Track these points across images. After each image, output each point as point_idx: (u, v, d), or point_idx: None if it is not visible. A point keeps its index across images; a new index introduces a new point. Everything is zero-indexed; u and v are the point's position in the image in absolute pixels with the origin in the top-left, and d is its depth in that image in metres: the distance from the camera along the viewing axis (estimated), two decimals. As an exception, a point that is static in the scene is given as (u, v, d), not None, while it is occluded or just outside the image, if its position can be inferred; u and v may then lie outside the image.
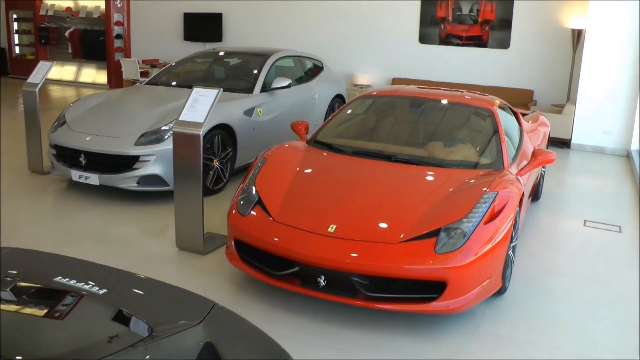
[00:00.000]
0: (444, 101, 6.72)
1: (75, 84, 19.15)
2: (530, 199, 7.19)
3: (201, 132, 5.72)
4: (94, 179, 7.37)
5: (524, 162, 6.21)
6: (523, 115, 7.87)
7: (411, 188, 5.26)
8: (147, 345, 2.07)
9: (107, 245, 6.22)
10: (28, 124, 8.62)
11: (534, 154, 6.16)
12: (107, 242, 6.32)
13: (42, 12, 19.60)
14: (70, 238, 6.40)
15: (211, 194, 7.73)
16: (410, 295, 4.55)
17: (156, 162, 7.22)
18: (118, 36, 18.40)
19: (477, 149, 6.07)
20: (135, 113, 7.96)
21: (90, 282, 2.46)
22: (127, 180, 7.29)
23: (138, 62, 16.21)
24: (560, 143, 11.91)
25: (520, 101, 12.76)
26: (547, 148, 8.25)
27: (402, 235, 4.61)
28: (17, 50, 20.53)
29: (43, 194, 7.88)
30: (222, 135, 7.85)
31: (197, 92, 5.99)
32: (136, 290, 2.57)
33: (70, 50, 19.29)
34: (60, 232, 6.58)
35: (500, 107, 6.72)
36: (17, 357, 1.89)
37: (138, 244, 6.30)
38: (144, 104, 8.32)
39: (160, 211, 7.19)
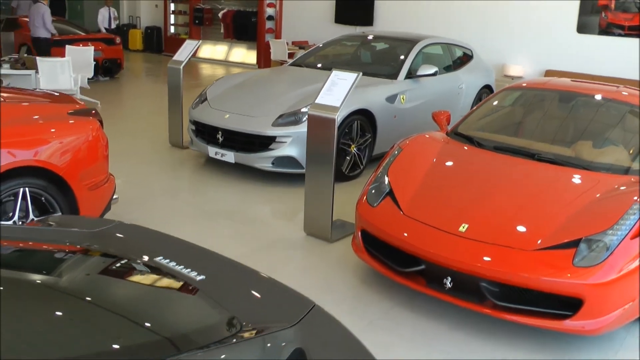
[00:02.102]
0: (596, 97, 6.17)
1: (225, 62, 19.59)
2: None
3: (337, 116, 5.55)
4: (229, 156, 7.41)
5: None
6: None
7: (553, 191, 4.83)
8: (232, 344, 1.92)
9: (236, 224, 6.20)
10: (171, 99, 8.83)
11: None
12: (237, 220, 6.31)
13: (198, -6, 20.22)
14: (202, 213, 6.45)
15: (346, 180, 7.57)
16: (543, 310, 4.18)
17: (292, 143, 7.14)
18: (270, 17, 18.64)
19: (630, 152, 5.53)
20: (276, 94, 7.92)
21: (191, 267, 2.34)
22: (262, 160, 7.26)
23: (287, 43, 16.34)
24: None
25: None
26: None
27: (538, 243, 4.23)
28: (172, 29, 21.31)
29: (181, 168, 8.02)
30: (362, 120, 7.67)
31: (335, 75, 5.83)
32: (235, 282, 2.42)
33: (222, 31, 19.76)
34: (193, 207, 6.64)
35: (662, 107, 6.14)
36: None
37: (267, 225, 6.24)
38: (285, 85, 8.28)
39: (293, 194, 7.11)
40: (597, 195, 4.66)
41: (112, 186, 5.43)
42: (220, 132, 7.50)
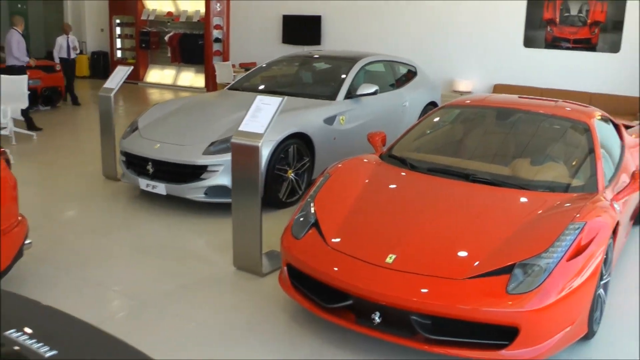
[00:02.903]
0: (534, 113, 5.98)
1: (173, 87, 19.27)
2: (632, 222, 6.28)
3: (260, 143, 5.27)
4: (161, 188, 7.08)
5: (625, 183, 5.44)
6: (627, 128, 7.02)
7: (487, 214, 4.60)
8: None
9: (165, 260, 5.89)
10: (103, 129, 8.44)
11: (633, 176, 5.39)
12: (166, 257, 5.98)
13: (143, 17, 19.89)
14: (130, 251, 6.12)
15: (284, 207, 7.29)
16: (478, 341, 3.93)
17: (225, 172, 6.82)
18: (217, 40, 18.37)
19: (568, 169, 5.34)
20: (209, 120, 7.61)
21: (44, 341, 2.03)
22: (194, 191, 6.94)
23: (233, 65, 16.07)
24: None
25: (629, 110, 11.72)
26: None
27: (469, 271, 4.00)
28: (118, 54, 20.90)
29: (114, 201, 7.66)
30: (298, 144, 7.40)
31: (260, 100, 5.56)
32: (91, 355, 2.12)
33: (169, 54, 19.43)
34: (122, 244, 6.29)
35: (601, 120, 5.98)
36: None
37: (197, 260, 5.91)
38: (219, 111, 7.97)
39: (228, 225, 6.70)
40: (534, 217, 4.45)
41: (23, 230, 5.04)
42: (150, 163, 7.17)
